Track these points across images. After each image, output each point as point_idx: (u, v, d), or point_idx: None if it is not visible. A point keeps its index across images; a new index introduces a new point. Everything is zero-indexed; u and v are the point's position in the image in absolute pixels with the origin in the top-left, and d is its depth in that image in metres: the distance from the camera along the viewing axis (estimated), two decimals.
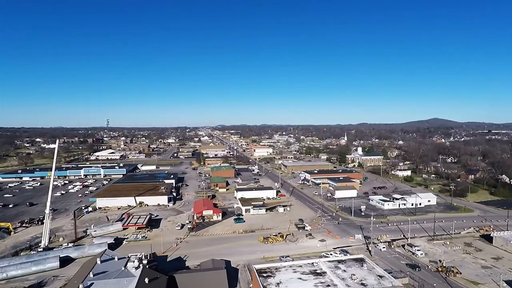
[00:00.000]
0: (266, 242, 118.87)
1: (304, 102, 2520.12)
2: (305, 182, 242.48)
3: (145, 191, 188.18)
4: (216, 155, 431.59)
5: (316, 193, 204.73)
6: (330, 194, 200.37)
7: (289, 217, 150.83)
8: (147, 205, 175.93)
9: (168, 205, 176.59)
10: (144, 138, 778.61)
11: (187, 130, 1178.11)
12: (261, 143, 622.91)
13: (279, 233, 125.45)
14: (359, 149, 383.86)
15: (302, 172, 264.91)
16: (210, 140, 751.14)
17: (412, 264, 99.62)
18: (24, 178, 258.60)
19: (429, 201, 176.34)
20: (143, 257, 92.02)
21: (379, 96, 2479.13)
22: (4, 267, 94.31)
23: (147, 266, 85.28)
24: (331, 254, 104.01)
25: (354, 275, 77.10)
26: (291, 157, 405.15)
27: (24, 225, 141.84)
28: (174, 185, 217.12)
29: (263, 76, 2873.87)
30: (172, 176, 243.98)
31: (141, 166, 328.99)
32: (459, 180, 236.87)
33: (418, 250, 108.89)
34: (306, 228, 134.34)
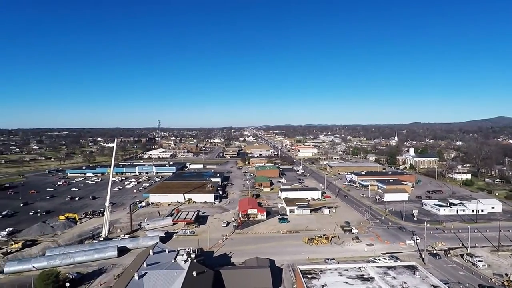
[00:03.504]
0: (311, 243, 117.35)
1: (351, 101, 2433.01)
2: (352, 184, 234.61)
3: (193, 189, 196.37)
4: (260, 155, 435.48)
5: (364, 196, 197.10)
6: (378, 197, 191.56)
7: (334, 219, 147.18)
8: (195, 202, 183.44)
9: (214, 203, 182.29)
10: (192, 138, 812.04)
11: (232, 130, 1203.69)
12: (305, 143, 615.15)
13: (324, 235, 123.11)
14: (411, 150, 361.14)
15: (348, 173, 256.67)
16: (255, 140, 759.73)
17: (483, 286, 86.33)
18: (87, 174, 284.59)
19: (493, 207, 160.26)
20: (191, 252, 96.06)
21: (434, 93, 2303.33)
22: (72, 253, 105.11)
23: (195, 260, 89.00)
24: (379, 260, 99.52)
25: (405, 283, 72.93)
26: (337, 158, 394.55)
27: (87, 216, 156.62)
28: (220, 184, 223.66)
29: (308, 75, 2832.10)
30: (218, 174, 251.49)
31: (189, 164, 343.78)
32: None
33: (479, 261, 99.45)
34: (352, 231, 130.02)
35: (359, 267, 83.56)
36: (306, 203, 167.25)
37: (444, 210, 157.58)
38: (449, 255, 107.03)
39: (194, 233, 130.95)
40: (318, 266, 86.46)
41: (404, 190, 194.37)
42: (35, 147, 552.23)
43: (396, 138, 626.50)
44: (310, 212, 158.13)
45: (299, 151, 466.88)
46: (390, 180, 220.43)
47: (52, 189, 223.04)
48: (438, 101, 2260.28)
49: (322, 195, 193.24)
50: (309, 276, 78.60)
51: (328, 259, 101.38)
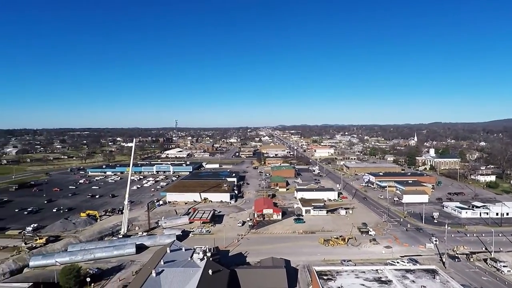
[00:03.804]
0: (327, 245, 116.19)
1: (368, 100, 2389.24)
2: (369, 185, 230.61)
3: (209, 188, 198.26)
4: (276, 155, 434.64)
5: (381, 197, 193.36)
6: (397, 198, 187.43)
7: (351, 220, 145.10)
8: (211, 201, 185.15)
9: (230, 202, 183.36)
10: (208, 138, 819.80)
11: (248, 130, 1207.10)
12: (322, 144, 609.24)
13: (340, 236, 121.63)
14: (432, 151, 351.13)
15: (366, 174, 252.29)
16: (271, 140, 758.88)
17: None
18: (107, 173, 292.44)
19: None
20: (207, 250, 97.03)
21: (456, 92, 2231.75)
22: (92, 249, 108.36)
23: (210, 259, 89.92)
24: (397, 262, 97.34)
25: (424, 287, 71.17)
26: (354, 158, 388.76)
27: (107, 214, 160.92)
28: (235, 183, 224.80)
29: (325, 75, 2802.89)
30: (234, 174, 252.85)
31: (206, 164, 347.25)
32: None
33: (504, 266, 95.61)
34: (370, 233, 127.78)
35: (377, 270, 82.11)
36: (322, 204, 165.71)
37: (466, 212, 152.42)
38: (471, 260, 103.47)
39: (210, 232, 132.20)
40: (334, 267, 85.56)
41: (424, 192, 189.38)
42: (58, 146, 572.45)
43: (415, 138, 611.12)
44: (326, 212, 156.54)
45: (315, 151, 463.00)
46: (409, 181, 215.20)
47: (74, 187, 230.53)
48: (460, 100, 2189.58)
49: (338, 196, 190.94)
50: (325, 277, 77.92)
51: (344, 261, 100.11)
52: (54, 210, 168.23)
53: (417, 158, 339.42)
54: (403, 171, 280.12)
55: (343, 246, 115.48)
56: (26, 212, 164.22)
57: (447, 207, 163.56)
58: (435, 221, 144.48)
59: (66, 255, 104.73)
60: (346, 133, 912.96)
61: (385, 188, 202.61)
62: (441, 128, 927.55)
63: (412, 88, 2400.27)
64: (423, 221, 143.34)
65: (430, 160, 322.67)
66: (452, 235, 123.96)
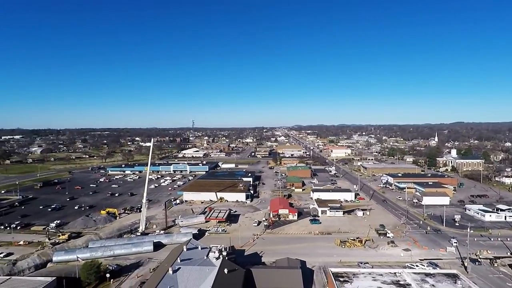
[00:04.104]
0: (343, 246, 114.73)
1: (387, 100, 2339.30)
2: (387, 186, 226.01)
3: (225, 188, 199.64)
4: (292, 155, 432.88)
5: (400, 198, 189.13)
6: (416, 200, 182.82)
7: (368, 222, 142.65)
8: (227, 200, 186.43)
9: (246, 202, 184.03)
10: (224, 138, 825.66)
11: (264, 130, 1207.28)
12: (338, 144, 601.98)
13: (357, 238, 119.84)
14: (453, 152, 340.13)
15: (384, 175, 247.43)
16: (287, 140, 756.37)
17: None
18: (126, 172, 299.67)
19: None
20: (223, 249, 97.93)
21: (480, 91, 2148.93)
22: (112, 246, 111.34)
23: (226, 258, 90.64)
24: (417, 266, 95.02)
25: None
26: (372, 159, 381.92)
27: (126, 212, 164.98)
28: (251, 183, 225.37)
29: (341, 74, 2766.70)
30: (249, 174, 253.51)
31: (222, 164, 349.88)
32: None
33: None
34: (388, 235, 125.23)
35: (395, 273, 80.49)
36: (339, 205, 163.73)
37: (490, 216, 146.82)
38: (495, 265, 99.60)
39: (225, 231, 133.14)
40: (350, 269, 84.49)
41: (445, 194, 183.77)
42: (80, 146, 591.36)
43: (436, 139, 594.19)
44: (343, 214, 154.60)
45: (331, 151, 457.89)
46: (430, 183, 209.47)
47: (94, 185, 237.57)
48: (484, 99, 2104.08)
49: (355, 197, 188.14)
50: (341, 279, 77.05)
51: (361, 263, 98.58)
52: (76, 208, 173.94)
53: (437, 159, 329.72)
54: (423, 172, 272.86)
55: (360, 248, 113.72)
56: (50, 209, 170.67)
57: (469, 210, 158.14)
58: (457, 224, 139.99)
59: (87, 251, 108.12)
60: (364, 133, 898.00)
61: (404, 190, 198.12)
62: (464, 128, 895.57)
63: (433, 86, 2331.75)
64: (444, 224, 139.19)
65: (451, 161, 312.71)
66: (475, 239, 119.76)
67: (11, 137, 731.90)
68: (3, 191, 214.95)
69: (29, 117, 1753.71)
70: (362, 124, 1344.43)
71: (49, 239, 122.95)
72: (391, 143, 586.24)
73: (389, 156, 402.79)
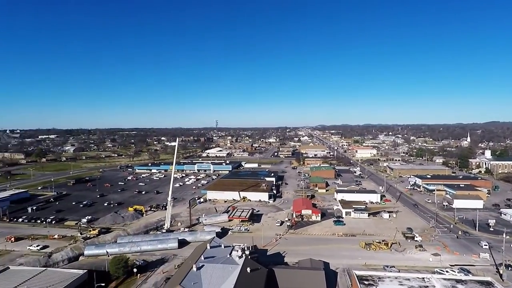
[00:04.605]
0: (368, 249, 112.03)
1: (415, 98, 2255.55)
2: (415, 188, 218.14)
3: (248, 187, 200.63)
4: (315, 155, 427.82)
5: (429, 201, 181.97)
6: (446, 203, 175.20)
7: (395, 225, 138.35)
8: (250, 200, 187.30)
9: (269, 202, 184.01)
10: (247, 138, 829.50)
11: (287, 130, 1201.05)
12: (364, 144, 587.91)
13: (383, 241, 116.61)
14: (487, 152, 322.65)
15: (411, 176, 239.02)
16: (310, 140, 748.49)
17: None
18: (152, 170, 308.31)
19: None
20: (245, 248, 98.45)
21: None
22: (138, 242, 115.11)
23: (249, 257, 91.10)
24: (447, 272, 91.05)
25: None
26: (399, 160, 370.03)
27: (152, 209, 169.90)
28: (274, 183, 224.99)
29: (366, 72, 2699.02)
30: (272, 174, 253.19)
31: (245, 163, 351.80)
32: None
33: None
34: (415, 239, 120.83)
35: (423, 278, 77.65)
36: (364, 206, 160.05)
37: None
38: None
39: (248, 230, 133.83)
40: (376, 272, 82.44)
41: (478, 197, 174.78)
42: (109, 145, 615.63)
43: (468, 139, 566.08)
44: (368, 215, 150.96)
45: (356, 151, 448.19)
46: (461, 185, 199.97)
47: (122, 183, 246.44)
48: None
49: (381, 199, 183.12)
50: (366, 282, 75.34)
51: (387, 267, 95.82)
52: (105, 204, 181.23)
53: (470, 160, 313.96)
54: (453, 174, 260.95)
55: (386, 251, 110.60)
56: (81, 205, 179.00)
57: (505, 214, 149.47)
58: (491, 229, 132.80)
59: (116, 246, 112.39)
60: (390, 133, 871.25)
61: (433, 192, 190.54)
62: (499, 128, 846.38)
63: (466, 84, 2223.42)
64: (477, 229, 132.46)
65: (485, 163, 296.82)
66: (511, 245, 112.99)
67: (47, 136, 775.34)
68: (39, 187, 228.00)
69: (64, 117, 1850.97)
70: (388, 124, 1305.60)
71: (81, 233, 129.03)
72: (419, 144, 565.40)
73: (417, 157, 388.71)
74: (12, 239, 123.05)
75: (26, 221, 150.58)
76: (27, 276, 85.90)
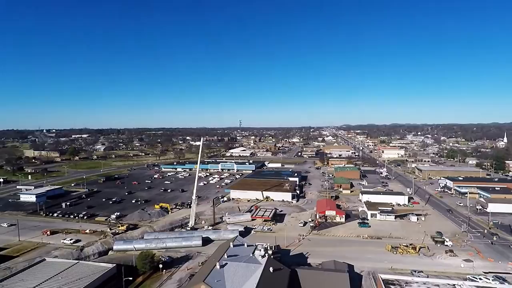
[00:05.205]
0: (395, 252, 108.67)
1: (446, 97, 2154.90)
2: (446, 190, 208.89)
3: (271, 187, 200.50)
4: (340, 155, 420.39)
5: (461, 204, 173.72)
6: (480, 207, 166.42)
7: (423, 228, 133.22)
8: (273, 200, 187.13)
9: (292, 202, 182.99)
10: (271, 138, 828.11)
11: (311, 130, 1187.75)
12: (391, 144, 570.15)
13: (411, 244, 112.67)
14: None
15: (441, 178, 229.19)
16: (334, 140, 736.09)
17: None
18: (178, 169, 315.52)
19: None
20: (268, 248, 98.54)
21: None
22: (164, 238, 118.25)
23: (271, 257, 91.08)
24: (480, 279, 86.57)
25: None
26: (428, 161, 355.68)
27: (177, 207, 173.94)
28: (297, 183, 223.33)
29: (393, 70, 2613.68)
30: (296, 174, 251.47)
31: (268, 163, 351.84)
32: None
33: None
34: (446, 243, 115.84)
35: (454, 285, 74.36)
36: (390, 208, 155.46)
37: None
38: None
39: (271, 230, 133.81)
40: (403, 277, 79.86)
41: None
42: (137, 144, 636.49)
43: (505, 139, 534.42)
44: (395, 218, 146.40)
45: (383, 152, 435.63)
46: (496, 188, 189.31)
47: (149, 181, 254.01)
48: None
49: (409, 201, 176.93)
50: (392, 286, 73.26)
51: (415, 271, 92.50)
52: (133, 201, 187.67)
53: (507, 162, 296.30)
54: (488, 177, 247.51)
55: (414, 255, 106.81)
56: (111, 202, 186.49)
57: None
58: None
59: (143, 242, 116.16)
60: (419, 133, 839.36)
61: (465, 195, 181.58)
62: None
63: (501, 81, 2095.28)
64: None
65: None
66: None
67: (80, 136, 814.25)
68: (73, 184, 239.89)
69: (95, 118, 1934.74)
70: (417, 124, 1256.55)
71: (110, 229, 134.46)
72: (450, 144, 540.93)
73: (448, 158, 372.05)
74: (48, 232, 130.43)
75: (61, 216, 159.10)
76: (62, 267, 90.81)
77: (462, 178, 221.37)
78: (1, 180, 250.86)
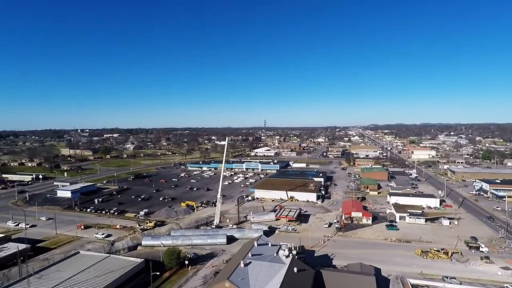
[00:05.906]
0: (425, 257, 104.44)
1: (481, 94, 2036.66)
2: (481, 193, 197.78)
3: (296, 187, 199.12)
4: (367, 155, 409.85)
5: (498, 208, 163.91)
6: None
7: (456, 232, 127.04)
8: (297, 200, 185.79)
9: (317, 202, 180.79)
10: (295, 137, 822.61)
11: (336, 130, 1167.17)
12: (421, 144, 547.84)
13: (442, 249, 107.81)
14: None
15: (476, 180, 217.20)
16: (361, 140, 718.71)
17: None
18: (203, 168, 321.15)
19: None
20: (292, 248, 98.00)
21: None
22: (190, 236, 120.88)
23: (296, 257, 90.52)
24: None
25: None
26: (462, 162, 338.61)
27: (203, 205, 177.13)
28: (322, 184, 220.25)
29: (424, 67, 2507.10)
30: (321, 174, 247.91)
31: (293, 163, 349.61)
32: None
33: None
34: (481, 249, 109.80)
35: None
36: (420, 211, 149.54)
37: None
38: None
39: (295, 230, 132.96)
40: (433, 283, 76.72)
41: None
42: (164, 143, 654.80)
43: None
44: (425, 221, 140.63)
45: (412, 152, 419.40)
46: None
47: (176, 180, 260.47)
48: None
49: (440, 204, 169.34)
50: None
51: (446, 277, 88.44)
52: (161, 199, 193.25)
53: None
54: None
55: (446, 260, 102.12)
56: (140, 199, 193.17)
57: None
58: None
59: (169, 238, 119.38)
60: (452, 133, 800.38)
61: (503, 199, 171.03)
62: None
63: None
64: None
65: None
66: None
67: (111, 135, 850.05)
68: (104, 181, 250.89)
69: (125, 118, 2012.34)
70: (450, 123, 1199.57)
71: (139, 225, 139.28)
72: (486, 145, 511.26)
73: (484, 160, 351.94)
74: (82, 226, 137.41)
75: (93, 211, 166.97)
76: (94, 260, 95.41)
77: (499, 181, 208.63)
78: (41, 176, 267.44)
